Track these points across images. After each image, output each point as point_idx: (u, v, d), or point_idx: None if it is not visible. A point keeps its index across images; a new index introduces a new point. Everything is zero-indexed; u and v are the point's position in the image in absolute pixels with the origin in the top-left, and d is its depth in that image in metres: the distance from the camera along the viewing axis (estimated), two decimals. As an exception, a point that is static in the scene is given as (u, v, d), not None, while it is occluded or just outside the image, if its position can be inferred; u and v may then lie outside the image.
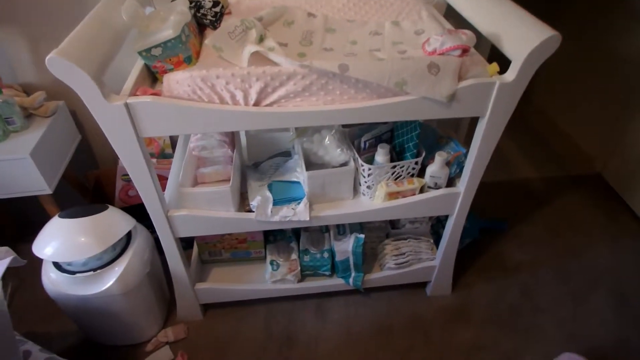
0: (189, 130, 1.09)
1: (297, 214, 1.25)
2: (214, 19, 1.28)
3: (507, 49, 1.05)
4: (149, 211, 1.18)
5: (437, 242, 1.55)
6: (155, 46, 1.08)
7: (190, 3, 1.29)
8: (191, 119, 1.01)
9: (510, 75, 1.03)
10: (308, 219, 1.25)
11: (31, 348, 1.04)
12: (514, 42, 1.04)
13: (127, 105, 0.96)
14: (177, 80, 1.00)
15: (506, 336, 1.54)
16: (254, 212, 1.25)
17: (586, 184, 2.21)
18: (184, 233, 1.27)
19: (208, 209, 1.24)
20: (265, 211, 1.24)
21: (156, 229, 1.23)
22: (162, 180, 1.40)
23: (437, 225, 1.64)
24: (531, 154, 2.42)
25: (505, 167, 2.31)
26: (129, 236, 1.34)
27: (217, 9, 1.31)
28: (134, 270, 1.29)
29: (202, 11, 1.29)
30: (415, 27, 1.30)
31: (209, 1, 1.30)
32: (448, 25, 1.28)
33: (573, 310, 1.63)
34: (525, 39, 1.00)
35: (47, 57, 0.85)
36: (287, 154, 1.45)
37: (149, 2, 1.37)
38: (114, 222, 1.27)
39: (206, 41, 1.13)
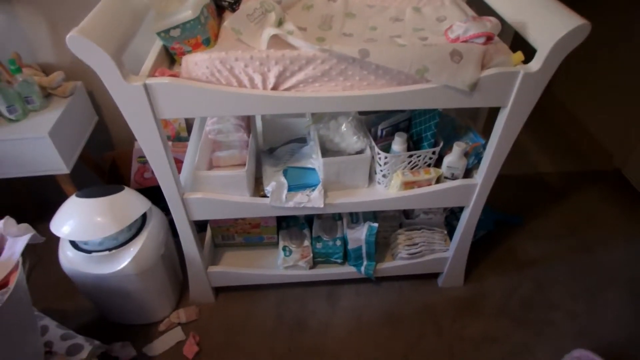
0: (207, 113, 1.08)
1: (312, 200, 1.24)
2: (232, 1, 1.27)
3: (533, 38, 1.02)
4: (164, 193, 1.18)
5: (450, 234, 1.53)
6: (174, 27, 1.07)
7: (209, -15, 1.28)
8: (209, 101, 1.01)
9: (535, 65, 1.01)
10: (322, 205, 1.25)
11: (49, 323, 1.07)
12: (540, 30, 1.01)
13: (145, 86, 0.95)
14: (196, 62, 1.00)
15: (518, 330, 1.53)
16: (268, 197, 1.24)
17: (605, 180, 2.17)
18: (199, 216, 1.27)
19: (223, 193, 1.24)
20: (280, 197, 1.24)
21: (171, 211, 1.24)
22: (177, 163, 1.39)
23: (451, 217, 1.62)
24: (549, 147, 2.38)
25: (522, 160, 2.27)
26: (144, 218, 1.35)
27: (237, -9, 1.29)
28: (149, 252, 1.31)
29: (221, -7, 1.28)
30: (437, 14, 1.28)
31: (228, -17, 1.29)
32: (471, 12, 1.26)
33: (587, 306, 1.61)
34: (552, 27, 0.97)
35: (68, 36, 0.85)
36: (303, 140, 1.44)
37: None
38: (130, 203, 1.28)
39: (225, 23, 1.13)
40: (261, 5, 1.18)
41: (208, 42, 1.12)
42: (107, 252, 1.24)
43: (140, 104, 0.97)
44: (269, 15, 1.16)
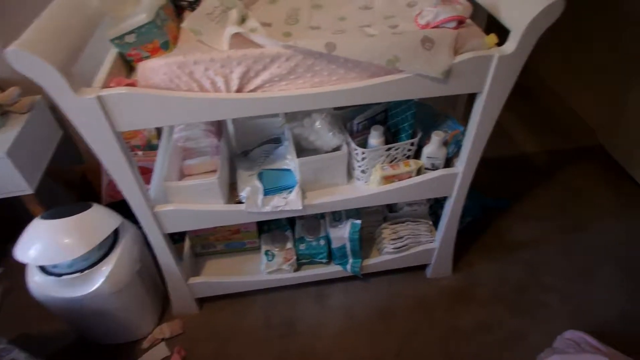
0: (169, 122, 1.02)
1: (289, 203, 1.19)
2: (192, 0, 1.20)
3: (506, 19, 0.98)
4: (133, 209, 1.12)
5: (436, 223, 1.50)
6: (129, 32, 1.00)
7: (166, -16, 1.21)
8: (170, 109, 0.95)
9: (510, 46, 0.97)
10: (301, 207, 1.20)
11: (17, 356, 1.00)
12: (512, 10, 0.97)
13: (99, 99, 0.89)
14: (152, 68, 0.93)
15: (511, 315, 1.51)
16: (244, 203, 1.19)
17: (589, 156, 2.15)
18: (173, 228, 1.21)
19: (196, 202, 1.18)
20: (256, 202, 1.18)
21: (142, 227, 1.18)
22: (150, 173, 1.34)
23: (435, 205, 1.59)
24: (532, 126, 2.35)
25: (505, 141, 2.25)
26: (116, 234, 1.29)
27: (196, -11, 1.23)
28: (124, 269, 1.25)
29: (179, -8, 1.21)
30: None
31: (187, -19, 1.22)
32: (441, -5, 1.21)
33: (579, 286, 1.60)
34: (524, 6, 0.93)
35: (7, 50, 0.78)
36: (278, 141, 1.38)
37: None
38: (99, 220, 1.21)
39: (183, 24, 1.06)
40: (221, 3, 1.11)
41: (167, 46, 1.06)
42: (78, 274, 1.18)
43: (95, 118, 0.91)
44: (230, 12, 1.10)
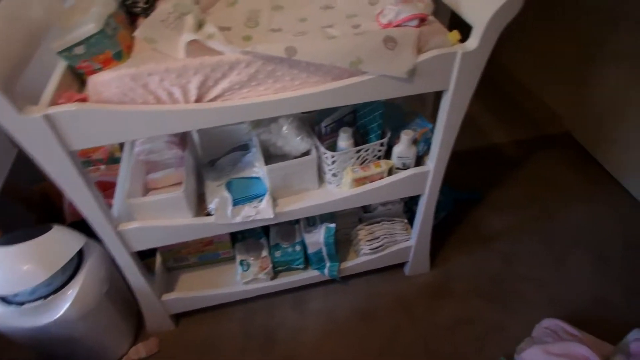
0: (126, 137, 0.98)
1: (260, 212, 1.16)
2: (146, 5, 1.15)
3: (467, 15, 0.97)
4: (94, 229, 1.07)
5: (411, 220, 1.49)
6: (77, 44, 0.94)
7: (116, -9, 1.16)
8: (125, 124, 0.90)
9: (473, 43, 0.96)
10: (272, 216, 1.17)
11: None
12: (473, 6, 0.96)
13: (47, 117, 0.83)
14: (103, 82, 0.88)
15: (490, 307, 1.52)
16: (213, 215, 1.15)
17: (557, 144, 2.19)
18: (140, 246, 1.16)
19: (163, 218, 1.13)
20: (225, 213, 1.15)
21: (107, 247, 1.13)
22: (114, 187, 1.28)
23: (410, 202, 1.58)
24: (501, 117, 2.37)
25: (475, 132, 2.26)
26: (80, 255, 1.23)
27: (149, -6, 1.17)
28: (90, 291, 1.19)
29: (131, -1, 1.15)
30: (370, -4, 1.20)
31: (139, -15, 1.17)
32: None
33: (554, 273, 1.62)
34: (484, 2, 0.92)
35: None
36: (246, 147, 1.34)
37: (70, -8, 1.22)
38: (61, 243, 1.15)
39: (136, 32, 1.01)
40: (175, 9, 1.07)
41: (120, 56, 1.00)
42: (41, 301, 1.11)
43: (44, 138, 0.85)
44: (185, 18, 1.05)
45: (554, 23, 2.22)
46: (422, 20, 0.97)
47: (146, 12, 1.13)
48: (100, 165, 1.53)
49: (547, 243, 1.73)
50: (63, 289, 1.15)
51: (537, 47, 2.38)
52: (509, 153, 2.17)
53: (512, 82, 2.59)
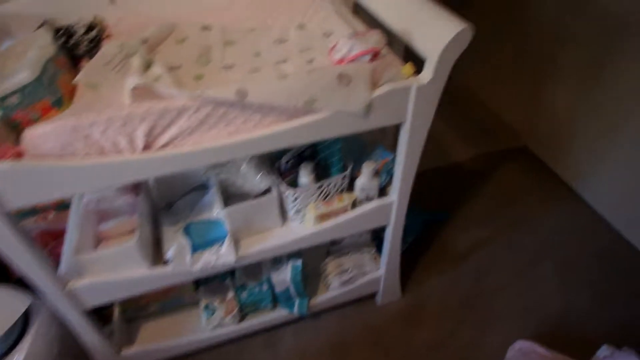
0: (69, 192, 0.91)
1: (221, 257, 1.11)
2: (90, 46, 1.10)
3: (419, 48, 0.97)
4: (40, 290, 0.99)
5: (380, 247, 1.46)
6: (11, 94, 0.88)
7: (58, 32, 1.10)
8: (67, 180, 0.84)
9: (427, 75, 0.95)
10: (234, 260, 1.11)
11: None
12: (425, 40, 0.95)
13: (-25, 177, 0.76)
14: (40, 136, 0.82)
15: (463, 328, 1.51)
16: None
17: (516, 157, 2.23)
18: (93, 303, 1.08)
19: (116, 271, 1.06)
20: (184, 261, 1.09)
21: (54, 308, 1.04)
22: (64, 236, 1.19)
23: (378, 229, 1.56)
24: (462, 133, 2.41)
25: (437, 150, 2.28)
26: (27, 315, 1.13)
27: (93, 34, 1.12)
28: (40, 355, 1.09)
29: (73, 40, 1.09)
30: (323, 28, 1.19)
31: (82, 26, 1.11)
32: (356, 23, 1.18)
33: (522, 287, 1.63)
34: (435, 35, 0.92)
35: None
36: (204, 187, 1.29)
37: (7, 33, 1.15)
38: (2, 305, 1.06)
39: (77, 77, 0.95)
40: (121, 50, 1.02)
41: (60, 103, 0.94)
42: (-18, 374, 1.02)
43: (-27, 201, 0.78)
44: (132, 59, 1.00)
45: (506, 42, 2.29)
46: (376, 55, 0.96)
47: (90, 53, 1.08)
48: (48, 214, 1.43)
49: (513, 257, 1.74)
50: (8, 356, 1.05)
51: (492, 64, 2.44)
52: (471, 169, 2.19)
53: (470, 97, 2.65)
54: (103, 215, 1.15)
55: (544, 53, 2.03)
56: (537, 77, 2.10)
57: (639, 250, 1.74)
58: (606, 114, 1.76)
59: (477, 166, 2.21)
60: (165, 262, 1.11)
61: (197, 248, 1.12)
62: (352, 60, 0.96)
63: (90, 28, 1.12)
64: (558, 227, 1.86)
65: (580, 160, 1.95)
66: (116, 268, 1.06)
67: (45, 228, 1.43)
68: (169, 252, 1.10)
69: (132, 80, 0.90)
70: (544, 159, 2.18)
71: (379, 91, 0.94)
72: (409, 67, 0.97)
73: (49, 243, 1.37)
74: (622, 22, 1.60)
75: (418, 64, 0.99)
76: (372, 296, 1.58)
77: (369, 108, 0.95)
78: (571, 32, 1.84)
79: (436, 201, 1.98)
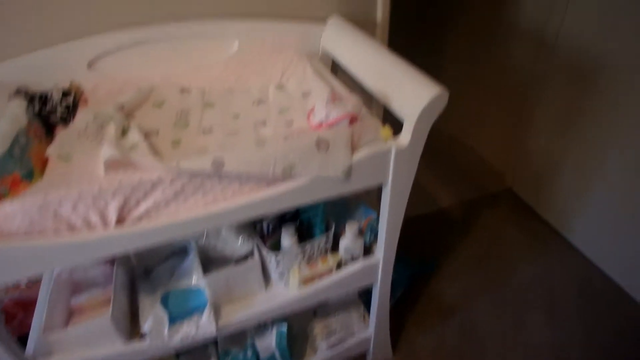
0: (38, 271, 0.86)
1: (201, 328, 1.05)
2: (65, 112, 1.08)
3: (397, 110, 0.97)
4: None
5: (368, 303, 1.41)
6: (-22, 168, 0.85)
7: (32, 100, 1.08)
8: (35, 259, 0.80)
9: (405, 138, 0.95)
10: (215, 331, 1.06)
11: None
12: (402, 103, 0.96)
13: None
14: (6, 215, 0.78)
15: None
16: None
17: (501, 202, 2.24)
18: (63, 383, 1.01)
19: (90, 347, 1.00)
20: (161, 334, 1.03)
21: (21, 392, 0.97)
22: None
23: (365, 284, 1.52)
24: (446, 179, 2.42)
25: (423, 198, 2.28)
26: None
27: (69, 101, 1.11)
28: None
29: (48, 107, 1.08)
30: (302, 88, 1.20)
31: (57, 92, 1.10)
32: (334, 82, 1.19)
33: (512, 338, 1.59)
34: (412, 99, 0.92)
35: None
36: (184, 251, 1.25)
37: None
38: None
39: (48, 150, 0.93)
40: (95, 119, 1.01)
41: (31, 176, 0.91)
42: None
43: None
44: (107, 128, 0.99)
45: (483, 85, 2.34)
46: (353, 120, 0.96)
47: (66, 119, 1.06)
48: (19, 286, 1.36)
49: (502, 307, 1.71)
50: None
51: (473, 108, 2.48)
52: (456, 216, 2.19)
53: (453, 144, 2.68)
54: (77, 286, 1.10)
55: (521, 95, 2.07)
56: (517, 119, 2.13)
57: (628, 293, 1.71)
58: (586, 154, 1.78)
59: (462, 212, 2.21)
60: (142, 336, 1.06)
61: (175, 319, 1.07)
62: (331, 125, 0.96)
63: (66, 94, 1.11)
64: (545, 273, 1.84)
65: (565, 203, 1.95)
66: (89, 344, 1.00)
67: (17, 297, 1.36)
68: (146, 324, 1.04)
69: (106, 152, 0.88)
70: (529, 202, 2.19)
71: (358, 155, 0.94)
72: (387, 130, 0.97)
73: (18, 314, 1.30)
74: (597, 64, 1.64)
75: (397, 122, 0.99)
76: (363, 356, 1.52)
77: (348, 172, 0.93)
78: (546, 74, 1.88)
79: (422, 249, 1.95)
